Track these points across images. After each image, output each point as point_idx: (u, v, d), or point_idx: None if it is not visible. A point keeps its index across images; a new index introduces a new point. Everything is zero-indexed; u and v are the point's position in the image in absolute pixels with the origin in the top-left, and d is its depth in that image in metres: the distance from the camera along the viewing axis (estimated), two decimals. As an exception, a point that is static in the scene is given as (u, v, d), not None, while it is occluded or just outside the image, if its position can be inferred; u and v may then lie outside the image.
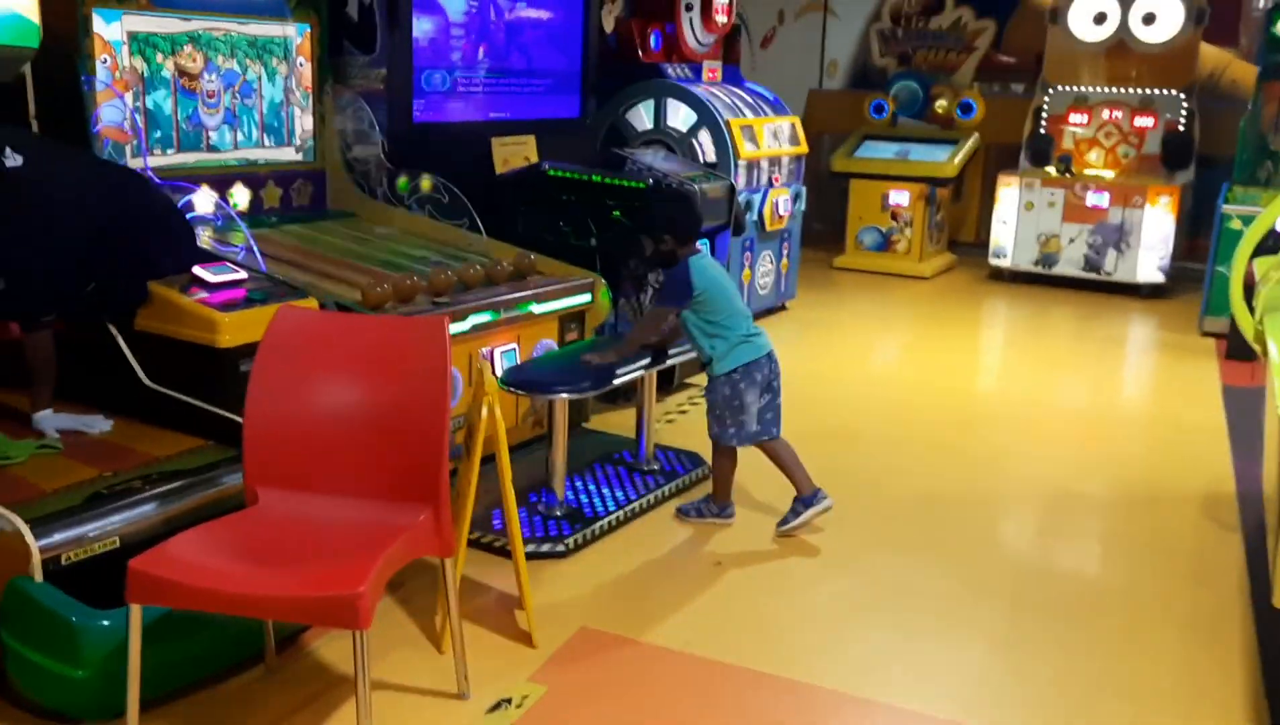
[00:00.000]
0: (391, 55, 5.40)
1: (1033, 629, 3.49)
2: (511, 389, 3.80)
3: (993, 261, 9.27)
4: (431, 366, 2.73)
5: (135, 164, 4.43)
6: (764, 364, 4.02)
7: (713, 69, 7.38)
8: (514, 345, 4.48)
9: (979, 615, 3.56)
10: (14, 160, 3.24)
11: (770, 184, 7.28)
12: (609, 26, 6.97)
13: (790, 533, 4.08)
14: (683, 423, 5.36)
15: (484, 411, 3.02)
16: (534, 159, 6.15)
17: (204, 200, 4.79)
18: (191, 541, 2.53)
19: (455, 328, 4.13)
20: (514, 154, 6.03)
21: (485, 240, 5.07)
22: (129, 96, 4.47)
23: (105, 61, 4.38)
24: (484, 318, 4.27)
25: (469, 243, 5.08)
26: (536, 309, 4.53)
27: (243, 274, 3.66)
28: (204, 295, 3.50)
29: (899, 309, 8.40)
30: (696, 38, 7.34)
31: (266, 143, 5.08)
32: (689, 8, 7.16)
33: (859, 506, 4.41)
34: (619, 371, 4.00)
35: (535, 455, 4.28)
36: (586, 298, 4.81)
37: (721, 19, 7.37)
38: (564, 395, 3.80)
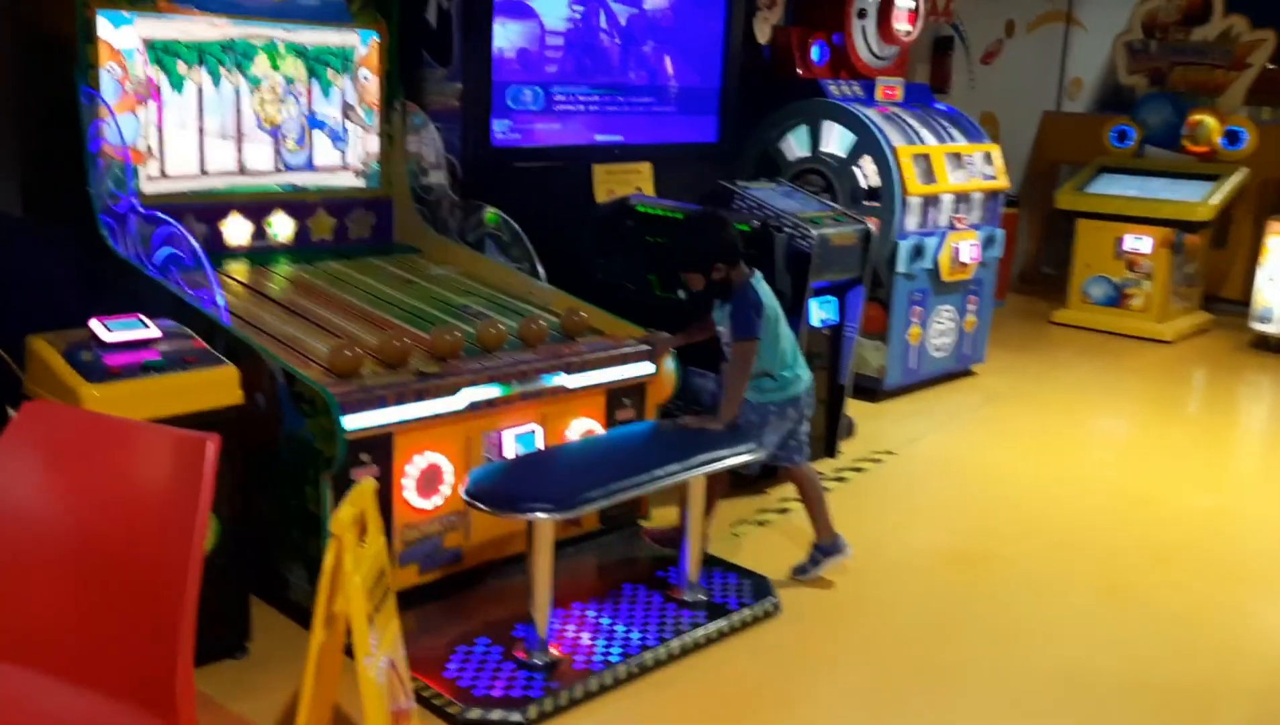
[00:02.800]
0: (467, 67, 4.64)
1: None
2: (471, 501, 2.88)
3: (1255, 326, 7.51)
4: (179, 509, 1.86)
5: (153, 189, 3.87)
6: (801, 402, 3.68)
7: (890, 87, 6.20)
8: (534, 428, 3.57)
9: None
10: None
11: (951, 226, 6.01)
12: (764, 36, 5.95)
13: (807, 581, 3.73)
14: (780, 526, 4.26)
15: (331, 555, 2.13)
16: (648, 190, 5.24)
17: (238, 231, 4.22)
18: None
19: (446, 405, 3.27)
20: (623, 184, 5.14)
21: (546, 288, 4.19)
22: (141, 112, 3.92)
23: (112, 71, 3.84)
24: (490, 392, 3.38)
25: (528, 291, 4.22)
26: (569, 381, 3.60)
27: (153, 332, 2.94)
28: (87, 357, 2.80)
29: (1124, 382, 6.85)
30: (871, 49, 6.20)
31: (318, 166, 4.43)
32: (862, 14, 6.04)
33: (974, 682, 3.20)
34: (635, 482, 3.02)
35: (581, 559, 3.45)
36: (645, 367, 3.84)
37: (904, 28, 6.19)
38: (541, 516, 2.84)
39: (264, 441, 3.19)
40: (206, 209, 4.13)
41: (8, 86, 3.94)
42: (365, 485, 2.30)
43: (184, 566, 1.80)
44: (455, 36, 4.62)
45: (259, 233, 4.30)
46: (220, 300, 3.34)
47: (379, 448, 3.18)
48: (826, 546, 3.73)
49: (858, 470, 4.89)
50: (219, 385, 2.88)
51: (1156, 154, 8.29)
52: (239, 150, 4.18)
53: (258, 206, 4.27)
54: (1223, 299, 8.61)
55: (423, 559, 3.37)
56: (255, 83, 4.17)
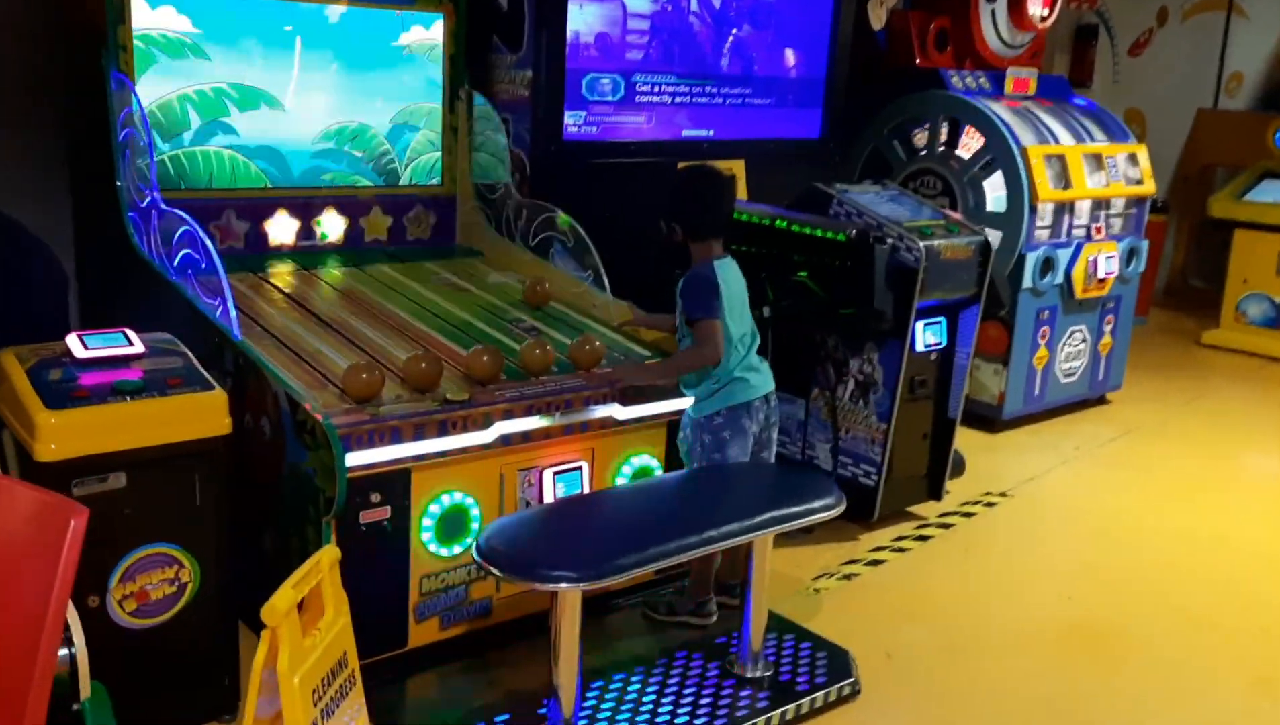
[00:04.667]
0: (538, 52, 4.20)
1: None
2: (483, 563, 2.43)
3: None
4: (28, 591, 1.46)
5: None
6: (758, 409, 3.15)
7: (1022, 78, 5.53)
8: (580, 465, 3.11)
9: None
10: None
11: (1089, 236, 5.33)
12: (878, 21, 5.36)
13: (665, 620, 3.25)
14: (870, 582, 3.71)
15: (263, 650, 1.71)
16: (739, 192, 4.72)
17: (282, 229, 3.88)
18: None
19: (474, 438, 2.84)
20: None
21: (611, 302, 3.73)
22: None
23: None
24: (525, 424, 2.94)
25: (591, 303, 3.77)
26: (621, 412, 3.13)
27: (136, 348, 2.58)
28: (55, 375, 2.45)
29: (1285, 416, 6.03)
30: (1001, 36, 5.54)
31: (373, 160, 4.06)
32: (991, -3, 5.39)
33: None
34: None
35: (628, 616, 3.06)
36: (715, 397, 3.33)
37: (1039, 12, 5.51)
38: (564, 586, 2.37)
39: (268, 472, 2.81)
40: (249, 205, 3.80)
41: (54, 74, 3.68)
42: (323, 556, 1.88)
43: (26, 667, 1.40)
44: (527, 19, 4.18)
45: (306, 232, 3.95)
46: (232, 310, 2.97)
47: (393, 486, 2.77)
48: (702, 601, 3.23)
49: (966, 515, 4.29)
50: (203, 412, 2.50)
51: (1330, 158, 7.37)
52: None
53: (305, 203, 3.93)
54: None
55: (444, 612, 2.95)
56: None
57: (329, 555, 1.91)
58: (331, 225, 4.00)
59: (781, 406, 4.20)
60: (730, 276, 3.12)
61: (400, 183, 4.13)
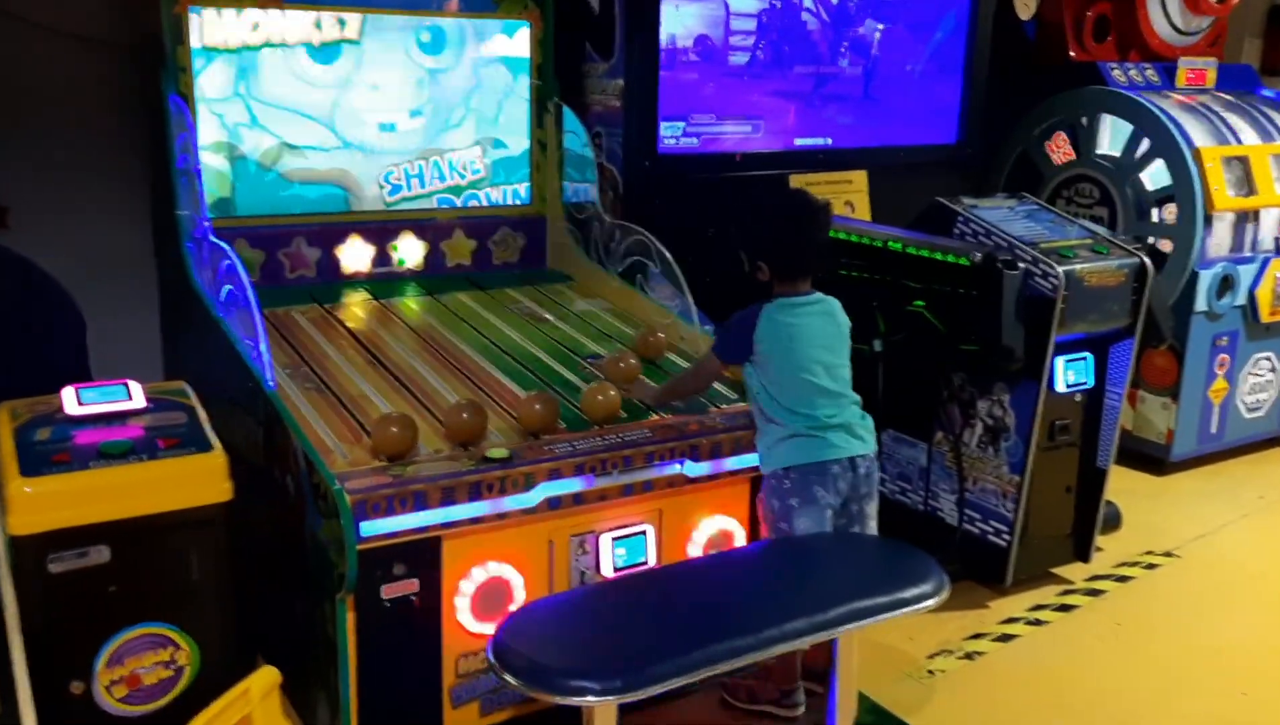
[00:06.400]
0: (630, 59, 3.84)
1: None
2: (498, 667, 2.07)
3: None
4: None
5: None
6: (838, 475, 2.65)
7: (1198, 69, 4.84)
8: (645, 529, 2.73)
9: None
10: None
11: (1277, 250, 4.60)
12: (1026, 11, 4.77)
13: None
14: (997, 663, 3.19)
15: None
16: (862, 206, 4.26)
17: (356, 256, 3.65)
18: None
19: (516, 502, 2.51)
20: (829, 198, 4.17)
21: (698, 333, 3.33)
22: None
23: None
24: (575, 486, 2.58)
25: (679, 336, 3.38)
26: (693, 468, 2.73)
27: (137, 402, 2.34)
28: (43, 435, 2.24)
29: None
30: (1172, 23, 4.85)
31: (454, 179, 3.79)
32: (1160, -23, 4.73)
33: None
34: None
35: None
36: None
37: (1219, -9, 4.82)
38: (591, 700, 1.99)
39: (293, 536, 2.55)
40: (321, 231, 3.59)
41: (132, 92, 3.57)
42: (253, 682, 1.56)
43: None
44: (618, 21, 3.83)
45: (382, 258, 3.71)
46: (265, 352, 2.72)
47: (422, 556, 2.45)
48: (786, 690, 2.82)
49: (1120, 580, 3.70)
50: (199, 477, 2.25)
51: None
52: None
53: (380, 227, 3.68)
54: None
55: (486, 697, 2.61)
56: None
57: (262, 682, 1.60)
58: (409, 251, 3.74)
59: (902, 449, 3.75)
60: (797, 320, 2.69)
61: (484, 203, 3.85)
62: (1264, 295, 4.50)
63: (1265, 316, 4.54)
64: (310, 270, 3.59)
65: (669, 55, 3.88)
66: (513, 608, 2.57)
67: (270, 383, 2.63)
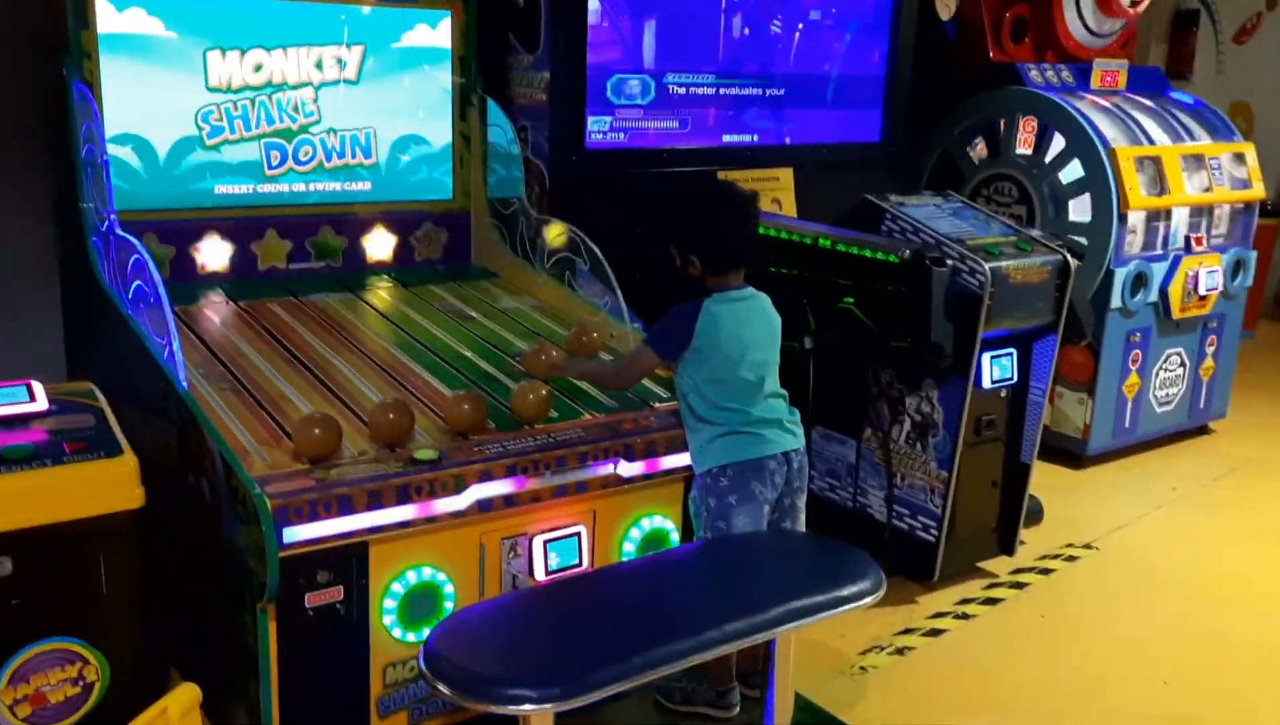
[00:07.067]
0: (556, 51, 3.77)
1: None
2: (429, 676, 1.99)
3: None
4: None
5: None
6: (773, 471, 2.64)
7: (1111, 71, 4.94)
8: (579, 530, 2.67)
9: None
10: None
11: (1187, 247, 4.72)
12: (946, 11, 4.82)
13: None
14: (929, 658, 3.20)
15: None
16: (786, 204, 4.26)
17: (272, 251, 3.52)
18: None
19: (446, 505, 2.43)
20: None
21: (629, 330, 3.28)
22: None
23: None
24: (506, 487, 2.51)
25: (609, 334, 3.33)
26: (627, 468, 2.68)
27: (39, 405, 2.21)
28: (-65, 442, 2.10)
29: None
30: (1086, 25, 4.95)
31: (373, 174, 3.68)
32: (1075, -20, 4.82)
33: None
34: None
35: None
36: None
37: (1130, -5, 4.93)
38: (528, 709, 1.92)
39: (210, 543, 2.44)
40: (236, 225, 3.45)
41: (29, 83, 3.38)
42: (170, 702, 1.47)
43: None
44: (543, 12, 3.76)
45: (300, 253, 3.59)
46: (178, 351, 2.59)
47: (347, 562, 2.36)
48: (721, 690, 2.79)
49: (1043, 572, 3.75)
50: (108, 483, 2.11)
51: None
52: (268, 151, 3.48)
53: (298, 222, 3.56)
54: None
55: (415, 705, 2.53)
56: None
57: (181, 699, 1.50)
58: (328, 246, 3.64)
59: (831, 446, 3.75)
60: (735, 316, 2.66)
61: (405, 198, 3.75)
62: (1175, 292, 4.61)
63: (1176, 313, 4.66)
64: (224, 266, 3.46)
65: (595, 46, 3.81)
66: (443, 614, 2.49)
67: (183, 383, 2.52)
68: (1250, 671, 3.18)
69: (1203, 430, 5.21)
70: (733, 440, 2.60)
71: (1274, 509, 4.37)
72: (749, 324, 2.66)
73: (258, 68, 3.40)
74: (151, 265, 2.69)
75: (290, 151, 3.49)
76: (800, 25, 4.29)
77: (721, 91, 4.14)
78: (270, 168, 3.47)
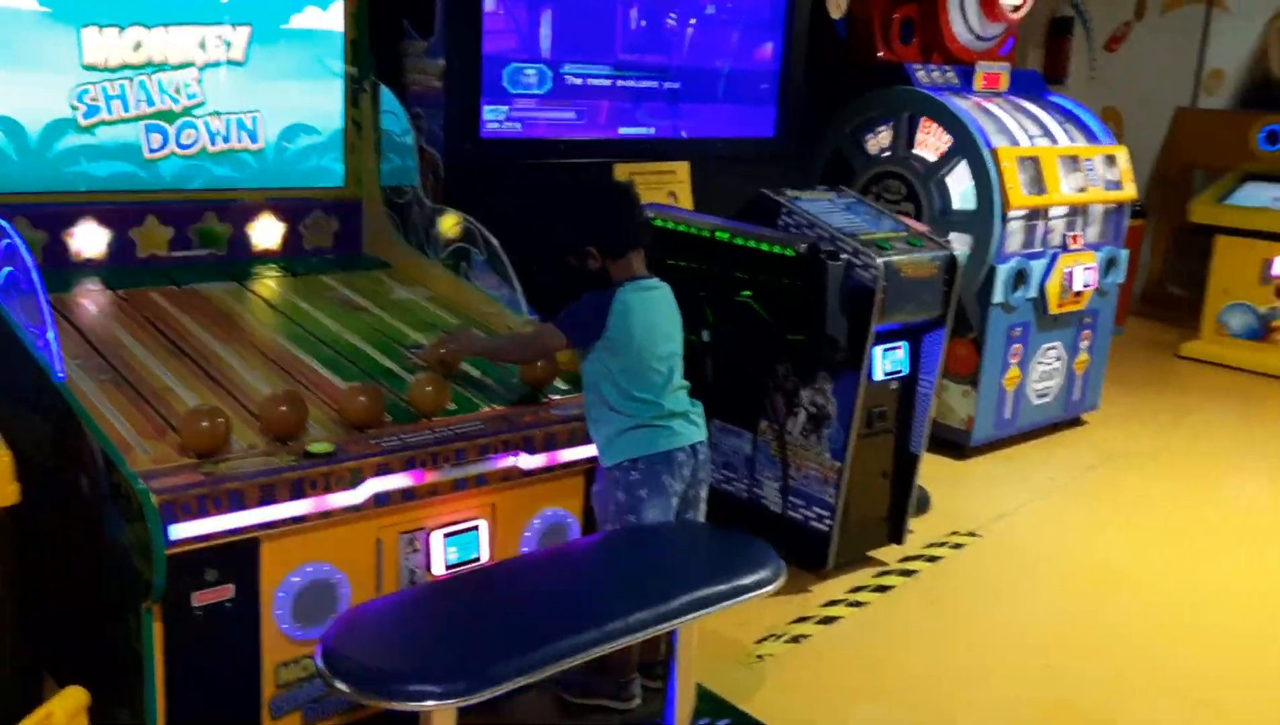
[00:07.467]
0: (451, 38, 3.72)
1: None
2: (326, 673, 1.94)
3: None
4: None
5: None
6: (682, 463, 2.65)
7: (992, 74, 5.10)
8: (478, 524, 2.63)
9: None
10: None
11: (1064, 245, 4.91)
12: (837, 9, 4.91)
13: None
14: (822, 646, 3.25)
15: None
16: (682, 197, 4.27)
17: (153, 238, 3.37)
18: None
19: (340, 499, 2.36)
20: (653, 189, 4.18)
21: (525, 322, 3.25)
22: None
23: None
24: (404, 480, 2.46)
25: (505, 325, 3.29)
26: (527, 461, 2.65)
27: (-99, 397, 2.08)
28: None
29: (1273, 434, 5.61)
30: (971, 28, 5.10)
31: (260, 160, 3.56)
32: (960, -16, 4.96)
33: None
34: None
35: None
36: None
37: (1011, 3, 5.09)
38: (430, 705, 1.89)
39: (90, 541, 2.32)
40: (113, 211, 3.29)
41: None
42: (55, 706, 1.39)
43: None
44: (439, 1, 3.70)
45: (182, 241, 3.45)
46: (53, 341, 2.47)
47: (237, 559, 2.29)
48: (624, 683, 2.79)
49: (931, 560, 3.85)
50: (-21, 480, 2.01)
51: (1316, 161, 7.00)
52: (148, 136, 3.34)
53: (180, 208, 3.42)
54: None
55: (309, 705, 2.47)
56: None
57: (67, 704, 1.43)
58: (212, 233, 3.50)
59: (728, 439, 3.78)
60: (648, 305, 2.66)
61: (294, 185, 3.64)
62: (1053, 288, 4.79)
63: (1054, 308, 4.83)
64: (100, 253, 3.30)
65: (491, 34, 3.78)
66: (339, 612, 2.43)
67: (59, 374, 2.40)
68: (1123, 654, 3.32)
69: (1076, 422, 5.43)
70: (643, 433, 2.60)
71: (1142, 498, 4.58)
72: (659, 313, 2.67)
73: (137, 46, 3.25)
74: (24, 250, 2.56)
75: (172, 135, 3.34)
76: (694, 20, 4.32)
77: (619, 84, 4.14)
78: (150, 151, 3.32)
